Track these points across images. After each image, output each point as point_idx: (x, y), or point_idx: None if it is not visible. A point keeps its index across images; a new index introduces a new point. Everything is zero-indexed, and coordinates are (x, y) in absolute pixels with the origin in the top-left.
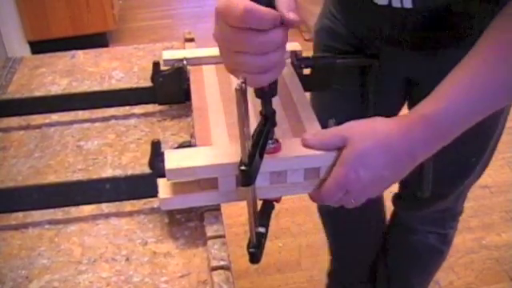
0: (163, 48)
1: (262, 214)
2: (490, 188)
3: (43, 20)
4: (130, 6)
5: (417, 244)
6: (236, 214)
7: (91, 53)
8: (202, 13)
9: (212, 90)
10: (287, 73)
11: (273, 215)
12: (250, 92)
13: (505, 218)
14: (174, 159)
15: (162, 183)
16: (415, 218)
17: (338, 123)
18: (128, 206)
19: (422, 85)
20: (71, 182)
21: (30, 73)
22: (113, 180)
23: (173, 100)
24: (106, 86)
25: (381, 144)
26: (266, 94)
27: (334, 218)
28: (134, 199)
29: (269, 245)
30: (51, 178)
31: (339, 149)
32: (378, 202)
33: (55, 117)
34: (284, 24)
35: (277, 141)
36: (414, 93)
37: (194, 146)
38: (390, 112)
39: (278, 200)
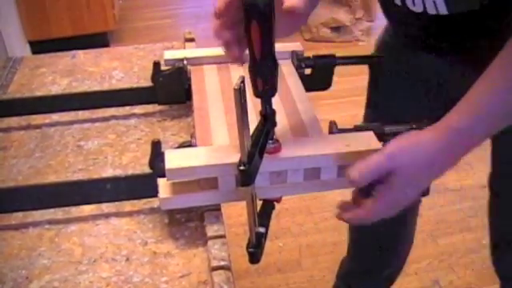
0: (163, 48)
1: (262, 214)
2: None
3: (43, 20)
4: (131, 6)
5: None
6: (236, 214)
7: (91, 53)
8: (202, 13)
9: (213, 89)
10: (288, 72)
11: (273, 215)
12: (250, 92)
13: None
14: (174, 159)
15: (162, 183)
16: None
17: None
18: (128, 205)
19: (454, 88)
20: (71, 182)
21: (30, 73)
22: (113, 180)
23: (173, 100)
24: (106, 86)
25: (425, 164)
26: (266, 93)
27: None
28: (134, 199)
29: (269, 245)
30: (51, 178)
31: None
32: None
33: (55, 117)
34: None
35: (277, 141)
36: (443, 95)
37: (194, 145)
38: (418, 113)
39: (278, 200)
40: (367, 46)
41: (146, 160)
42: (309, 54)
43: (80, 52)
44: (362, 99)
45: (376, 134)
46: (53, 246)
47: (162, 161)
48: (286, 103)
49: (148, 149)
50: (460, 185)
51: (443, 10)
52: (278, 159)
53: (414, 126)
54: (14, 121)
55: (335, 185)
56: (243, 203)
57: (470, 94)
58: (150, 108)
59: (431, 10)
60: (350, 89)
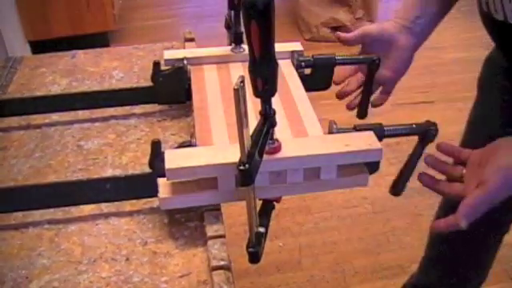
0: (163, 48)
1: (262, 214)
2: None
3: (43, 20)
4: (131, 6)
5: None
6: (236, 214)
7: (91, 53)
8: (202, 13)
9: (213, 89)
10: (287, 72)
11: (273, 215)
12: (250, 92)
13: None
14: (174, 159)
15: (161, 183)
16: None
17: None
18: (128, 205)
19: None
20: (71, 182)
21: (30, 73)
22: (113, 180)
23: (173, 100)
24: (106, 86)
25: None
26: (266, 93)
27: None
28: (133, 199)
29: (269, 245)
30: (51, 178)
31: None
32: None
33: (55, 117)
34: None
35: (277, 141)
36: None
37: (194, 145)
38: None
39: (278, 200)
40: None
41: (146, 160)
42: (309, 53)
43: (80, 52)
44: None
45: (376, 133)
46: (53, 246)
47: (162, 161)
48: (285, 103)
49: (148, 149)
50: None
51: None
52: (278, 159)
53: (413, 125)
54: (14, 121)
55: (335, 185)
56: (243, 203)
57: None
58: (149, 108)
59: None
60: None
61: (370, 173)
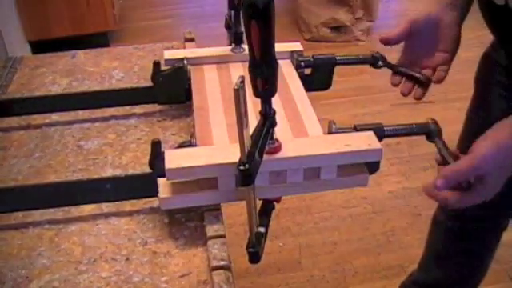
0: (163, 48)
1: (262, 214)
2: None
3: (43, 20)
4: (131, 6)
5: None
6: (236, 214)
7: (91, 52)
8: (202, 13)
9: (213, 89)
10: (287, 72)
11: (273, 215)
12: (250, 92)
13: None
14: (174, 159)
15: (162, 183)
16: None
17: None
18: (128, 205)
19: None
20: (71, 182)
21: (30, 72)
22: (113, 180)
23: (173, 100)
24: (106, 86)
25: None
26: (266, 93)
27: (448, 231)
28: (134, 199)
29: (269, 245)
30: (51, 178)
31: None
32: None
33: (55, 117)
34: None
35: (277, 140)
36: None
37: (194, 145)
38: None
39: (278, 200)
40: (367, 46)
41: (146, 160)
42: (309, 53)
43: (80, 52)
44: (362, 99)
45: (376, 133)
46: (53, 246)
47: (162, 161)
48: (285, 103)
49: (148, 148)
50: None
51: None
52: (278, 159)
53: (413, 125)
54: (14, 121)
55: (335, 185)
56: (243, 203)
57: None
58: (149, 108)
59: None
60: (350, 89)
61: (370, 173)
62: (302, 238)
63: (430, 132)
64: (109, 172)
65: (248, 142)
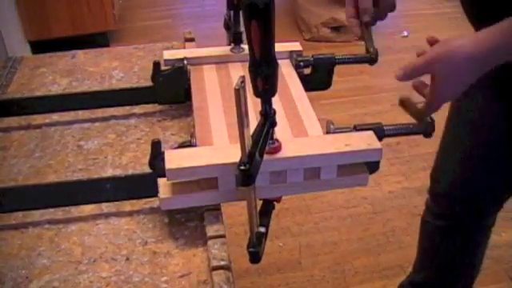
0: (163, 48)
1: (262, 214)
2: None
3: (43, 20)
4: (130, 6)
5: None
6: (236, 214)
7: (91, 53)
8: (201, 13)
9: (212, 89)
10: (287, 72)
11: (273, 215)
12: (250, 92)
13: (505, 217)
14: (174, 159)
15: (162, 183)
16: None
17: None
18: (128, 205)
19: None
20: (71, 182)
21: (30, 72)
22: (113, 180)
23: (173, 100)
24: (106, 86)
25: (464, 66)
26: (266, 93)
27: (437, 232)
28: (134, 199)
29: (269, 245)
30: (51, 178)
31: None
32: (485, 227)
33: (55, 117)
34: None
35: (277, 140)
36: None
37: (194, 145)
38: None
39: (278, 200)
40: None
41: (146, 160)
42: (309, 53)
43: (80, 52)
44: (362, 99)
45: (376, 133)
46: (53, 246)
47: (162, 160)
48: (285, 103)
49: (148, 149)
50: None
51: None
52: (278, 159)
53: (411, 125)
54: (14, 121)
55: (335, 184)
56: (243, 203)
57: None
58: (149, 108)
59: None
60: (350, 89)
61: (370, 172)
62: (302, 238)
63: (427, 132)
64: (109, 172)
65: (248, 142)
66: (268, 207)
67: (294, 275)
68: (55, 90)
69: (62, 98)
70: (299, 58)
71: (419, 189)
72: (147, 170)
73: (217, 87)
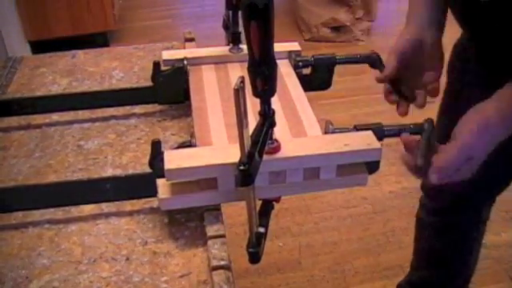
0: (163, 48)
1: (262, 214)
2: None
3: (43, 20)
4: (130, 6)
5: None
6: (236, 214)
7: (91, 53)
8: (201, 13)
9: (211, 89)
10: (286, 72)
11: (272, 215)
12: (250, 92)
13: (505, 217)
14: (173, 159)
15: (161, 183)
16: None
17: None
18: (128, 205)
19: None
20: (71, 182)
21: (30, 72)
22: (113, 180)
23: (173, 100)
24: (106, 86)
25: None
26: (265, 93)
27: (433, 230)
28: (134, 199)
29: (269, 245)
30: (51, 178)
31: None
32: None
33: (55, 117)
34: None
35: (276, 141)
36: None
37: (194, 145)
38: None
39: (277, 200)
40: (367, 46)
41: (146, 160)
42: (309, 54)
43: (80, 52)
44: (362, 99)
45: (376, 133)
46: (53, 246)
47: (162, 160)
48: (284, 103)
49: (148, 149)
50: None
51: None
52: (278, 159)
53: (411, 126)
54: (14, 121)
55: (335, 184)
56: (243, 203)
57: None
58: (149, 108)
59: None
60: (350, 89)
61: (370, 172)
62: (302, 238)
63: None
64: (109, 172)
65: (248, 143)
66: (267, 207)
67: (294, 275)
68: (55, 89)
69: (62, 97)
70: (298, 58)
71: (419, 189)
72: (147, 169)
73: (215, 87)
